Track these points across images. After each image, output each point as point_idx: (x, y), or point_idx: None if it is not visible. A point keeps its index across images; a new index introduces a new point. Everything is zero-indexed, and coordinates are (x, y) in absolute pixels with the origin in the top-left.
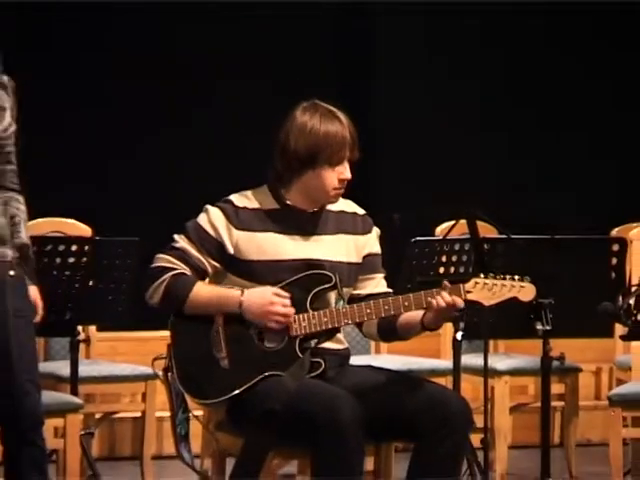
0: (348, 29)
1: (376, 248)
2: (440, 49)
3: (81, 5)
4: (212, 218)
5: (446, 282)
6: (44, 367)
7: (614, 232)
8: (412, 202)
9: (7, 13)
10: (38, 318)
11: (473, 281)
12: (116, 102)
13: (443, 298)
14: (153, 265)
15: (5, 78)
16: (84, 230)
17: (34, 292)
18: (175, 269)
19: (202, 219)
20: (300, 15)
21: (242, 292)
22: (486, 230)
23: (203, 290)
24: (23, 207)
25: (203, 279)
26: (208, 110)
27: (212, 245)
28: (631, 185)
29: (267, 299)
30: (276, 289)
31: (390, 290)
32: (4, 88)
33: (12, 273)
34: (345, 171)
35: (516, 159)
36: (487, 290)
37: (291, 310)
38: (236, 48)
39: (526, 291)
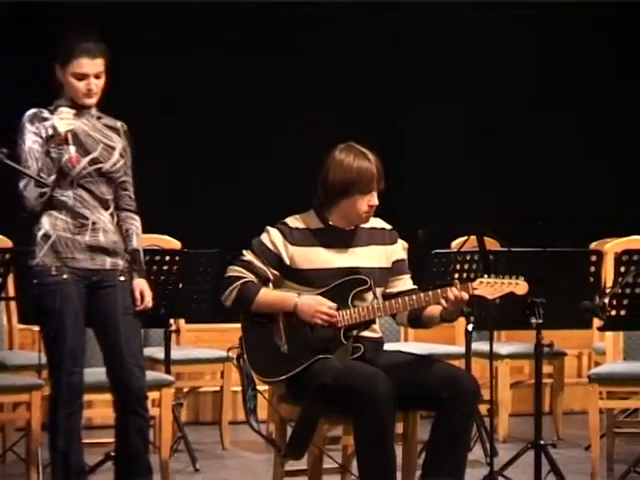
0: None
1: (402, 255)
2: (466, 82)
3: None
4: (272, 237)
5: (456, 281)
6: (145, 352)
7: (592, 245)
8: (433, 221)
9: None
10: (150, 304)
11: (479, 280)
12: (198, 135)
13: (453, 292)
14: (227, 275)
15: (118, 123)
16: (175, 244)
17: (144, 284)
18: (244, 278)
19: (264, 237)
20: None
21: (298, 296)
22: (491, 244)
23: (266, 295)
24: (137, 223)
25: (266, 285)
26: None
27: (272, 258)
28: (605, 207)
29: (317, 301)
30: (323, 300)
31: (416, 287)
32: (116, 131)
33: (122, 279)
34: (373, 199)
35: (518, 186)
36: (490, 287)
37: (335, 312)
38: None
39: (520, 287)
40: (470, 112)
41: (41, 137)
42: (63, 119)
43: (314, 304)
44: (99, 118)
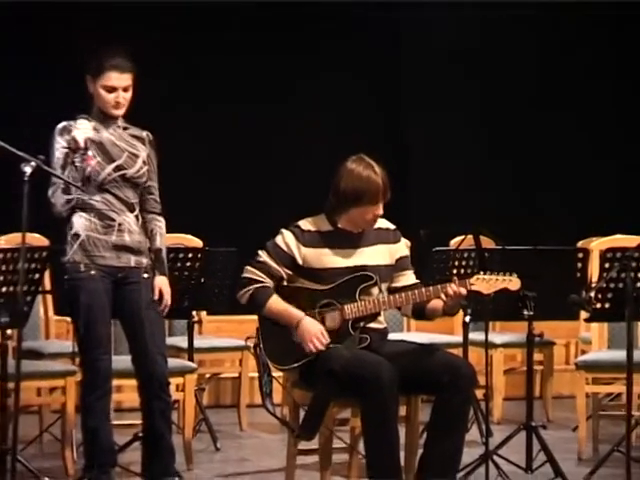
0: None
1: (405, 252)
2: (468, 86)
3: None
4: (286, 239)
5: (455, 277)
6: (169, 341)
7: (579, 244)
8: (434, 221)
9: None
10: (168, 302)
11: (475, 277)
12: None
13: (452, 288)
14: (243, 275)
15: (144, 133)
16: (197, 243)
17: (164, 282)
18: (259, 281)
19: (279, 239)
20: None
21: (303, 316)
22: (487, 243)
23: (275, 304)
24: (161, 224)
25: (281, 282)
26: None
27: (286, 259)
28: (590, 209)
29: (314, 332)
30: (322, 330)
31: (418, 281)
32: (141, 140)
33: (145, 276)
34: (378, 210)
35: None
36: (485, 282)
37: (322, 347)
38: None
39: (514, 283)
40: (471, 113)
41: (66, 143)
42: (80, 129)
43: (313, 332)
44: (125, 129)
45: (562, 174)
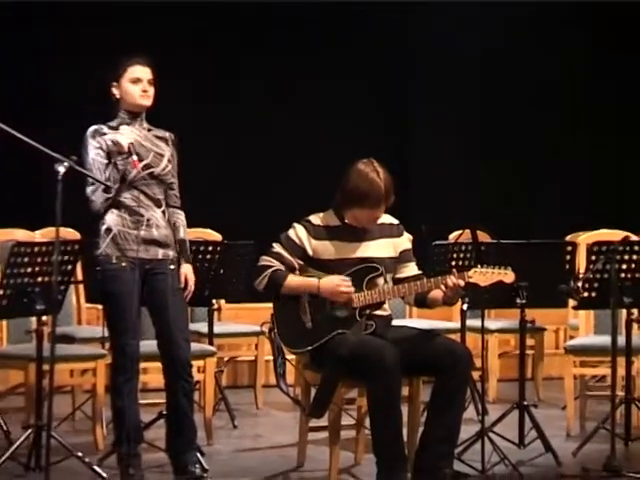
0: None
1: (408, 245)
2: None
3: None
4: (298, 232)
5: (454, 270)
6: (191, 327)
7: (568, 238)
8: (434, 217)
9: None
10: (191, 288)
11: (473, 270)
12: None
13: (451, 280)
14: (259, 264)
15: (167, 134)
16: (217, 237)
17: (189, 269)
18: (274, 266)
19: (291, 232)
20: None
21: (319, 280)
22: (483, 237)
23: (292, 280)
24: (182, 217)
25: (293, 272)
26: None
27: (298, 250)
28: (578, 206)
29: (335, 283)
30: (341, 277)
31: (421, 272)
32: (165, 141)
33: (172, 267)
34: (379, 212)
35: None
36: (482, 275)
37: (351, 288)
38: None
39: (508, 276)
40: (470, 114)
41: (102, 150)
42: (124, 134)
43: (333, 285)
44: (149, 130)
45: (553, 173)
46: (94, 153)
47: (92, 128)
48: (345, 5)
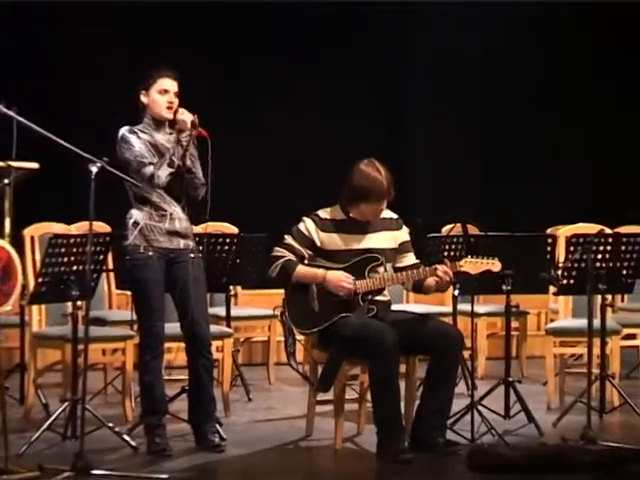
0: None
1: (406, 237)
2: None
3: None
4: (307, 225)
5: (446, 260)
6: (210, 310)
7: (548, 231)
8: (429, 211)
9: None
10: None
11: (464, 260)
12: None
13: (444, 269)
14: (272, 254)
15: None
16: (234, 230)
17: None
18: (285, 256)
19: (301, 225)
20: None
21: (325, 271)
22: (473, 230)
23: (302, 270)
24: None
25: (303, 261)
26: (314, 141)
27: (307, 242)
28: (558, 202)
29: (338, 277)
30: (345, 273)
31: (418, 261)
32: (188, 147)
33: (192, 255)
34: (382, 206)
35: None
36: (472, 265)
37: (352, 285)
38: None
39: (496, 265)
40: (471, 114)
41: (140, 140)
42: (184, 113)
43: (337, 279)
44: (170, 134)
45: (536, 171)
46: (137, 145)
47: (126, 128)
48: (345, 5)
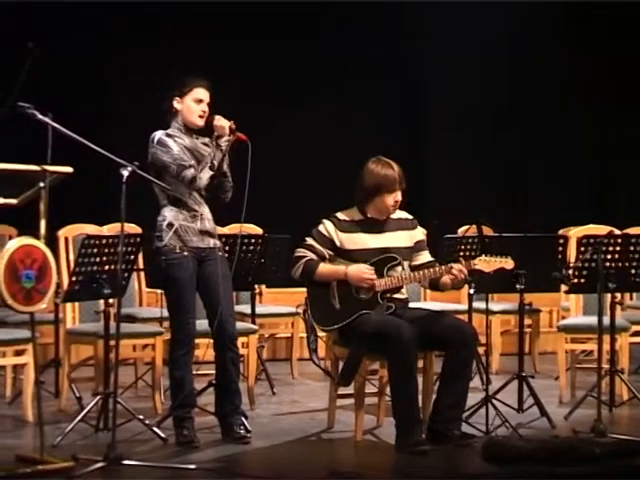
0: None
1: (421, 236)
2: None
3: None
4: (327, 226)
5: (461, 259)
6: (236, 308)
7: (560, 232)
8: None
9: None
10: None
11: (478, 258)
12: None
13: (458, 267)
14: (295, 255)
15: (207, 139)
16: (259, 231)
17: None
18: (307, 256)
19: (321, 227)
20: None
21: (346, 267)
22: (487, 231)
23: (324, 268)
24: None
25: (324, 261)
26: (332, 146)
27: (327, 242)
28: (569, 203)
29: (361, 270)
30: (367, 265)
31: (433, 259)
32: (207, 146)
33: (220, 253)
34: (397, 196)
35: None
36: (486, 263)
37: (374, 275)
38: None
39: (509, 263)
40: (486, 116)
41: (176, 143)
42: (220, 120)
43: (360, 272)
44: (197, 138)
45: (550, 174)
46: (175, 149)
47: (162, 132)
48: (363, 5)
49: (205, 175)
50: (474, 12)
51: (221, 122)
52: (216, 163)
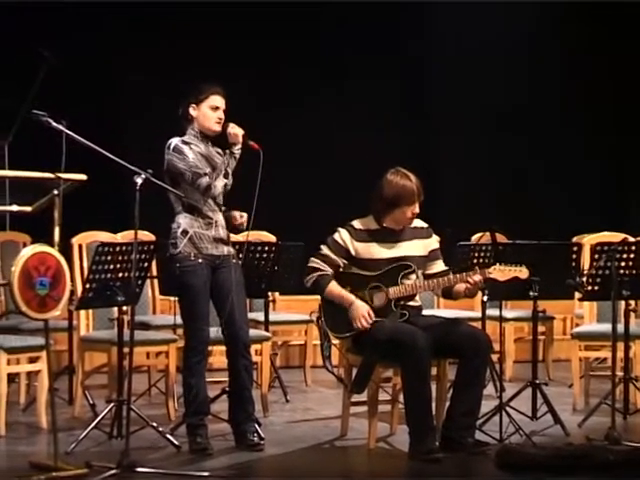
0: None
1: (436, 245)
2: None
3: None
4: (342, 235)
5: (476, 267)
6: (250, 315)
7: (574, 239)
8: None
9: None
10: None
11: (493, 267)
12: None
13: (473, 277)
14: (309, 264)
15: (220, 150)
16: (272, 238)
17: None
18: (321, 270)
19: (336, 236)
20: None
21: (354, 300)
22: (501, 238)
23: (333, 289)
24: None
25: (338, 269)
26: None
27: (342, 251)
28: (583, 211)
29: (363, 313)
30: (370, 311)
31: (447, 268)
32: (222, 154)
33: (234, 260)
34: (415, 208)
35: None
36: (501, 272)
37: (369, 325)
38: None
39: (523, 273)
40: (500, 122)
41: (192, 151)
42: (234, 128)
43: (362, 312)
44: (212, 146)
45: (564, 182)
46: (191, 156)
47: (178, 139)
48: (375, 5)
49: (219, 183)
50: (475, 11)
51: (235, 130)
52: (230, 171)
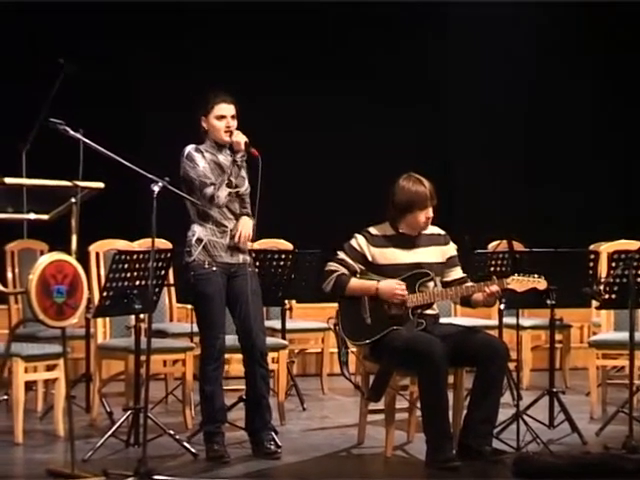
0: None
1: (453, 252)
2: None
3: None
4: (359, 241)
5: (495, 277)
6: (266, 323)
7: (591, 247)
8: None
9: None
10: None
11: (511, 277)
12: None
13: (492, 287)
14: (326, 269)
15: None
16: (288, 246)
17: (245, 222)
18: (338, 271)
19: (353, 241)
20: None
21: (377, 282)
22: (518, 246)
23: (355, 283)
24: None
25: (355, 275)
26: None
27: (359, 257)
28: (600, 219)
29: (392, 286)
30: (398, 280)
31: (465, 275)
32: (242, 167)
33: (250, 269)
34: (428, 212)
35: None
36: (519, 282)
37: (405, 292)
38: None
39: (541, 284)
40: (516, 131)
41: (204, 159)
42: (237, 135)
43: (391, 288)
44: (230, 155)
45: (580, 190)
46: (202, 165)
47: (192, 146)
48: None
49: (223, 193)
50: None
51: (238, 138)
52: (233, 180)
